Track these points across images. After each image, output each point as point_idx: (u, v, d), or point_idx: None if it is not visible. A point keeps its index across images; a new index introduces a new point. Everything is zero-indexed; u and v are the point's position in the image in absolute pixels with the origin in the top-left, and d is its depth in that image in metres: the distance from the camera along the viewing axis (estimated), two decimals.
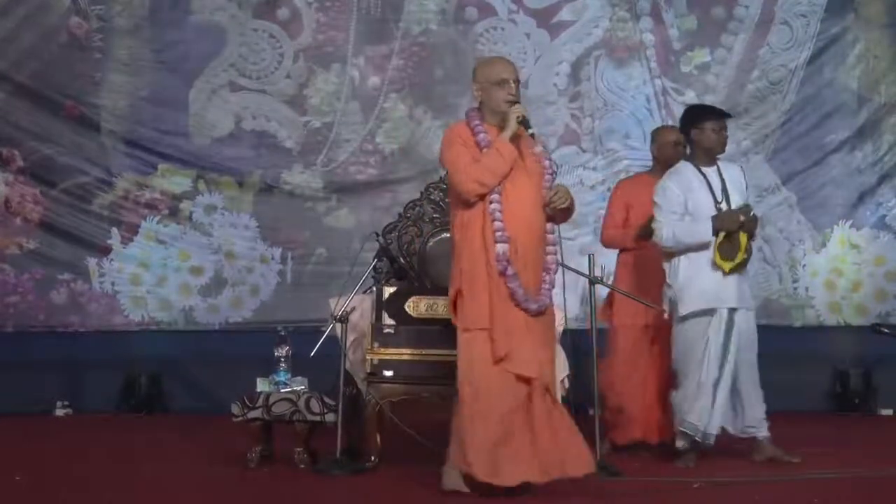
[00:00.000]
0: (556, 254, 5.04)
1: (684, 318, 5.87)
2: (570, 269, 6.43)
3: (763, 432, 5.95)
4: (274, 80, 8.88)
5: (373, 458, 5.63)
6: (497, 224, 4.88)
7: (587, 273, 5.82)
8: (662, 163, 6.52)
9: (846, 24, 8.85)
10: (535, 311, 4.92)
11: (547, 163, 5.09)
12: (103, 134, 8.76)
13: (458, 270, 4.97)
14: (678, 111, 8.72)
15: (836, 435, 7.29)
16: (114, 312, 8.72)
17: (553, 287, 5.03)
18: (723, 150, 6.01)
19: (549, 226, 5.04)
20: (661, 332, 6.30)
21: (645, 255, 6.37)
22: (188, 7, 8.86)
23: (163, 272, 8.74)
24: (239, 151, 8.83)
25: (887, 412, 8.54)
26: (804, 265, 8.75)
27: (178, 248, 8.76)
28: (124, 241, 8.73)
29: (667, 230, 5.86)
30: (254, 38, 8.88)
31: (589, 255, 5.91)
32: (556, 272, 5.04)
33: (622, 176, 7.92)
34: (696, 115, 6.05)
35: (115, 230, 8.74)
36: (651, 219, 6.05)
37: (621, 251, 6.61)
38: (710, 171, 5.94)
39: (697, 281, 5.84)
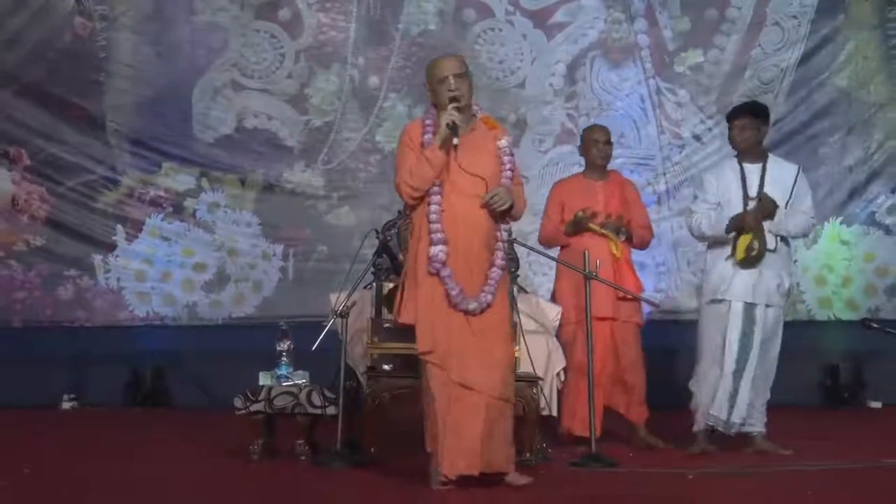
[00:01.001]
0: (503, 250, 4.96)
1: (702, 308, 6.12)
2: (565, 264, 6.52)
3: (758, 428, 6.05)
4: (275, 79, 8.95)
5: (373, 450, 5.67)
6: (433, 226, 4.84)
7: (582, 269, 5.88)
8: (588, 161, 6.63)
9: (836, 25, 8.93)
10: (475, 309, 4.85)
11: (507, 159, 4.98)
12: (108, 133, 8.84)
13: (406, 269, 5.04)
14: (672, 111, 8.86)
15: (826, 428, 7.39)
16: (119, 308, 8.80)
17: (495, 286, 4.89)
18: (746, 147, 6.10)
19: (499, 225, 4.97)
20: (595, 329, 6.21)
21: (580, 252, 6.21)
22: (191, 7, 8.92)
23: (167, 268, 8.82)
24: (241, 150, 8.90)
25: (876, 405, 8.64)
26: (795, 261, 8.75)
27: (182, 245, 8.85)
28: (129, 237, 8.82)
29: (696, 218, 6.13)
30: (255, 39, 8.95)
31: (584, 252, 5.93)
32: (503, 270, 4.95)
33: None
34: (729, 113, 6.27)
35: (120, 227, 8.82)
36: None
37: (561, 248, 6.59)
38: (753, 167, 6.08)
39: (713, 272, 6.07)
